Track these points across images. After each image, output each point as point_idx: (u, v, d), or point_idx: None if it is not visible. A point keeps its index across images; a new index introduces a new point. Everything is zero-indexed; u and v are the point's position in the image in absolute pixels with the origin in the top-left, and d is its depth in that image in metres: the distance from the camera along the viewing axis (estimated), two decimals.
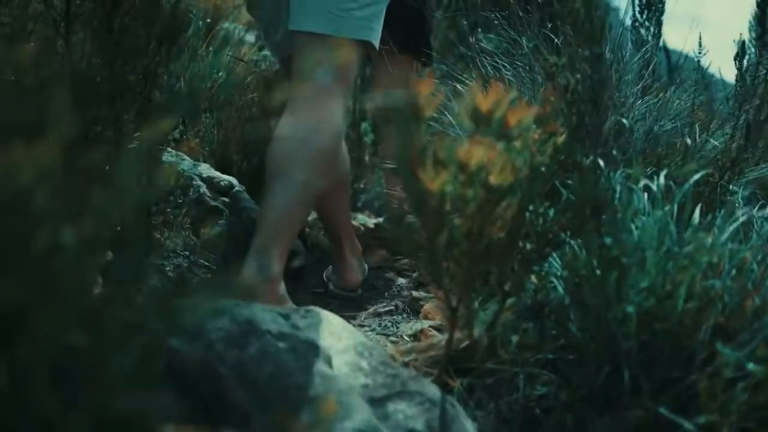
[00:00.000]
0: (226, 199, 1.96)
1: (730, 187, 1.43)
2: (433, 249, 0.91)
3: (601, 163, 0.99)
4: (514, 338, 1.00)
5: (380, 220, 2.45)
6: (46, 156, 0.39)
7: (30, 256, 0.42)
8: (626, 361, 0.89)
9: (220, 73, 2.51)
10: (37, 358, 0.49)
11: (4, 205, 0.39)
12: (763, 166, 1.58)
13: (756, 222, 1.12)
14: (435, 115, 1.13)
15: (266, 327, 0.83)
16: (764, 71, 1.67)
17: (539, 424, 0.93)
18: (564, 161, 0.99)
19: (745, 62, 1.68)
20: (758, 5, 1.92)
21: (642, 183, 1.00)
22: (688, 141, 1.36)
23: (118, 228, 0.56)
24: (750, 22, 2.00)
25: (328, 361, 0.83)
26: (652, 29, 1.99)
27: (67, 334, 0.49)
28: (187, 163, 1.97)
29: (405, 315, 1.76)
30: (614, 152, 1.05)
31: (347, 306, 1.83)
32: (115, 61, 1.32)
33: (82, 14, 1.33)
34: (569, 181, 1.00)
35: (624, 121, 1.25)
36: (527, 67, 1.65)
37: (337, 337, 0.90)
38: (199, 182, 1.91)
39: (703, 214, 1.02)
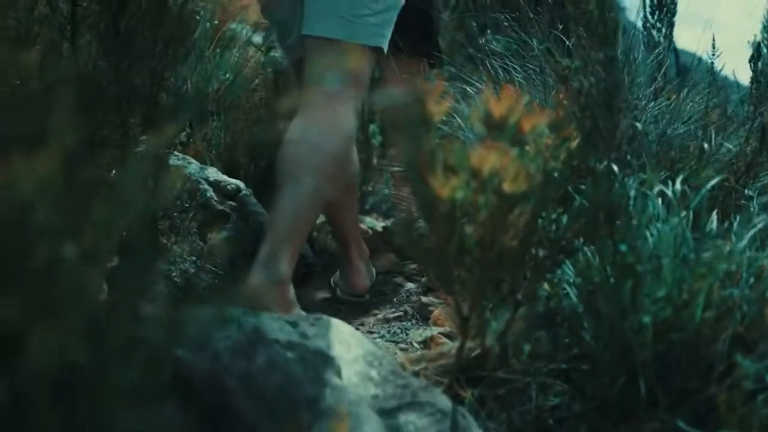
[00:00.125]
0: (234, 203, 1.94)
1: (746, 191, 1.41)
2: (443, 256, 0.89)
3: (615, 168, 0.97)
4: (527, 347, 0.98)
5: (388, 223, 2.43)
6: (46, 168, 0.37)
7: (30, 271, 0.40)
8: (642, 371, 0.87)
9: (228, 75, 2.49)
10: (38, 373, 0.48)
11: (4, 218, 0.38)
12: None
13: None
14: (444, 117, 1.11)
15: (274, 336, 0.81)
16: None
17: None
18: (577, 166, 0.98)
19: (759, 64, 1.65)
20: None
21: (657, 188, 0.98)
22: (705, 146, 1.34)
23: (124, 234, 0.54)
24: (763, 24, 1.97)
25: (338, 372, 0.81)
26: (663, 30, 1.96)
27: (68, 349, 0.47)
28: (194, 166, 1.96)
29: (414, 321, 1.73)
30: (628, 157, 1.03)
31: (355, 312, 1.82)
32: (122, 64, 1.32)
33: (89, 17, 1.32)
34: (582, 187, 0.98)
35: (638, 124, 1.23)
36: (537, 70, 1.63)
37: (347, 346, 0.88)
38: (206, 186, 1.89)
39: (719, 220, 1.00)
